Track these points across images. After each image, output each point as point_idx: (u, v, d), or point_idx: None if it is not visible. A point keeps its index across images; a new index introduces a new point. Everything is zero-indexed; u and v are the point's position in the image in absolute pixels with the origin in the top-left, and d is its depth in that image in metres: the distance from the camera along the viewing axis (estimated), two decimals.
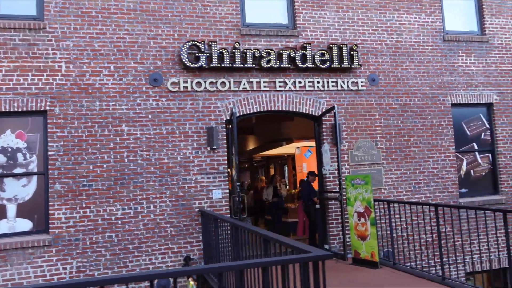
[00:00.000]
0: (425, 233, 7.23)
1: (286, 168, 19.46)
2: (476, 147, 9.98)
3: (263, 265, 3.00)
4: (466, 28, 10.29)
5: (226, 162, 8.26)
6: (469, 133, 9.96)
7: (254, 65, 8.40)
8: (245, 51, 8.36)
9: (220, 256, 6.52)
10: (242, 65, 8.30)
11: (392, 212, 7.78)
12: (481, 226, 8.37)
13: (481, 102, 9.97)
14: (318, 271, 3.31)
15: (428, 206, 7.14)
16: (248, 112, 8.46)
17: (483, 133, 10.07)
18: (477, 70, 10.00)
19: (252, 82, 8.47)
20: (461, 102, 9.79)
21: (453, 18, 10.19)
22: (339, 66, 8.81)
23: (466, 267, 9.04)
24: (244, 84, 8.42)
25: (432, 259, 7.93)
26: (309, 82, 8.76)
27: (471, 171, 9.92)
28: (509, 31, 10.39)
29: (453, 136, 9.65)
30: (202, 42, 8.16)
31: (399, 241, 8.13)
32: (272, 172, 20.84)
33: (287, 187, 16.01)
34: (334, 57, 8.79)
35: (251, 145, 17.35)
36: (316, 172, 9.51)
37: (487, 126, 10.11)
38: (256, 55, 8.41)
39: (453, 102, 9.72)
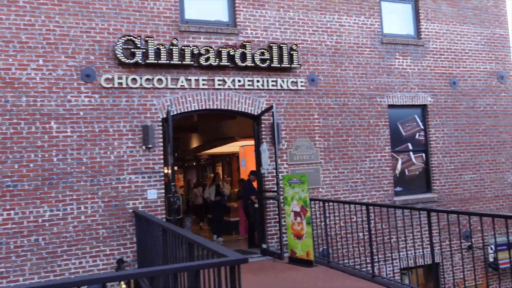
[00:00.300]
0: (357, 231, 7.37)
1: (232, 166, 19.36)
2: (410, 147, 10.31)
3: (174, 271, 2.89)
4: (403, 32, 10.59)
5: (162, 161, 8.06)
6: (404, 133, 10.27)
7: (192, 62, 8.24)
8: (183, 47, 8.18)
9: (152, 259, 6.35)
10: (180, 62, 8.12)
11: (328, 211, 7.88)
12: (414, 223, 8.65)
13: (416, 103, 10.30)
14: (234, 274, 3.27)
15: (360, 205, 7.26)
16: (186, 110, 8.29)
17: (417, 134, 10.42)
18: (412, 73, 10.32)
19: (190, 79, 8.32)
20: (397, 103, 10.07)
21: (391, 22, 10.47)
22: (279, 65, 8.81)
23: (400, 263, 9.32)
24: (182, 82, 8.25)
25: (367, 257, 8.08)
26: (248, 81, 8.71)
27: (406, 170, 10.24)
28: (443, 36, 10.79)
29: (389, 136, 9.91)
30: (139, 38, 7.92)
31: (335, 239, 8.24)
32: (220, 170, 20.70)
33: (232, 185, 15.93)
34: (274, 56, 8.78)
35: (195, 143, 17.15)
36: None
37: (421, 126, 10.47)
38: (195, 52, 8.26)
39: (389, 103, 9.98)
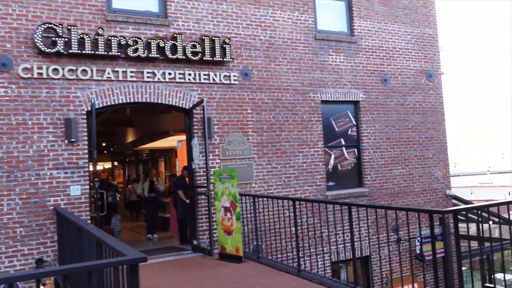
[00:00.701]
0: (284, 226, 7.39)
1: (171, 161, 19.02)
2: (343, 142, 10.50)
3: (65, 272, 2.70)
4: (336, 29, 10.74)
5: (87, 156, 7.71)
6: (337, 129, 10.44)
7: (120, 53, 7.93)
8: (110, 38, 7.85)
9: (72, 257, 6.04)
10: (106, 52, 7.79)
11: (259, 207, 7.84)
12: (345, 218, 8.79)
13: (348, 99, 10.49)
14: (133, 273, 3.15)
15: (287, 200, 7.29)
16: (113, 103, 7.98)
17: (350, 129, 10.62)
18: (345, 69, 10.50)
19: (117, 71, 8.00)
20: (330, 99, 10.21)
21: (325, 18, 10.59)
22: (211, 58, 8.66)
23: (331, 257, 9.46)
24: (108, 73, 7.92)
25: (296, 252, 8.13)
26: (179, 74, 8.51)
27: (338, 165, 10.42)
28: (375, 34, 11.05)
29: (322, 132, 10.03)
30: (60, 26, 7.51)
31: (267, 234, 8.23)
32: (162, 165, 20.27)
33: (170, 181, 15.59)
34: (206, 49, 8.62)
35: (131, 138, 16.67)
36: None
37: (354, 122, 10.69)
38: (123, 43, 7.95)
39: (322, 99, 10.10)
